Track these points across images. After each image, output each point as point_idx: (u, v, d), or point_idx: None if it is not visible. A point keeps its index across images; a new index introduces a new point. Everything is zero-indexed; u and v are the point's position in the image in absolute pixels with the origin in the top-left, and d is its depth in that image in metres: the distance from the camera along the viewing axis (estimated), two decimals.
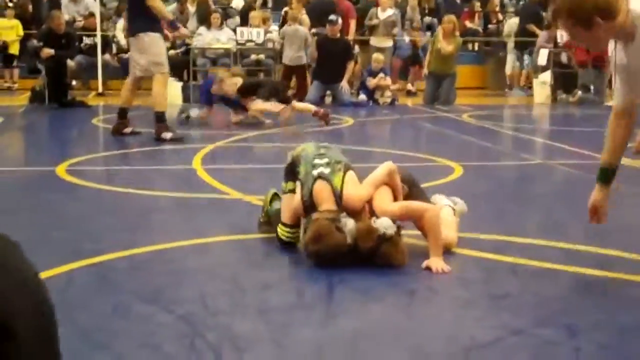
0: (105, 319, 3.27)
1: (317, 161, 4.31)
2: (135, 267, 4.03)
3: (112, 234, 4.72)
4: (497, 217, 5.39)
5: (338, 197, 4.17)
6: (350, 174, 4.30)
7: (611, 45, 3.53)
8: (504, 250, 4.37)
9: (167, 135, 8.97)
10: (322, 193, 4.17)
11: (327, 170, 4.24)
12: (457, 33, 14.50)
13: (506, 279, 3.90)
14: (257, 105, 10.49)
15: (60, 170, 6.87)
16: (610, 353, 3.00)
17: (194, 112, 11.12)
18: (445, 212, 4.58)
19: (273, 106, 10.46)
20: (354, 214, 4.16)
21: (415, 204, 4.28)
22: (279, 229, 4.39)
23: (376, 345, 3.01)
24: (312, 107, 10.92)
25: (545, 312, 3.41)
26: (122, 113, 9.49)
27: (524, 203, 5.97)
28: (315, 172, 4.24)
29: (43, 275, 3.66)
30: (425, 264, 4.02)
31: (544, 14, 16.53)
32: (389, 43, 15.34)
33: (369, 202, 4.26)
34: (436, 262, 4.02)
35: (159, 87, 9.04)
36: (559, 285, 3.84)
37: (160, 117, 9.04)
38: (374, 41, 15.28)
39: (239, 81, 10.66)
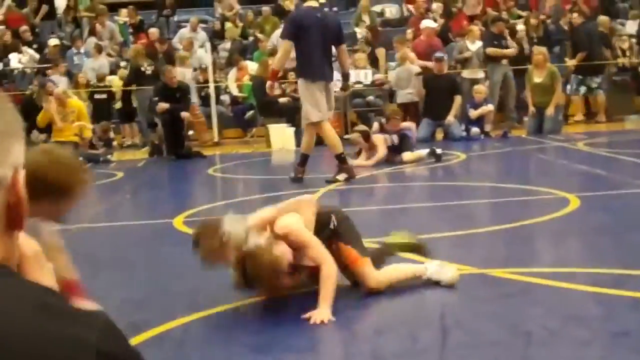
0: None
1: None
2: (248, 318, 4.06)
3: (226, 285, 4.76)
4: (616, 249, 5.20)
5: None
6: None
7: None
8: (624, 285, 4.21)
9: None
10: None
11: None
12: (549, 64, 14.19)
13: (628, 315, 3.75)
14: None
15: (178, 222, 7.01)
16: None
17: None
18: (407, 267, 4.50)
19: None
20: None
21: (318, 249, 4.15)
22: None
23: None
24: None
25: None
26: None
27: None
28: None
29: (160, 329, 3.75)
30: (308, 314, 3.91)
31: None
32: (481, 74, 15.16)
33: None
34: (319, 313, 3.90)
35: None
36: None
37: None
38: (466, 73, 15.15)
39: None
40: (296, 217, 4.26)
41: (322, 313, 3.87)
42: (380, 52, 16.05)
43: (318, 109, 8.97)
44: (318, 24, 8.97)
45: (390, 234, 4.99)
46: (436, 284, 4.33)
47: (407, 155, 10.61)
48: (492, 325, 3.70)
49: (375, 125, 11.28)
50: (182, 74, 14.96)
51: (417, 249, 4.89)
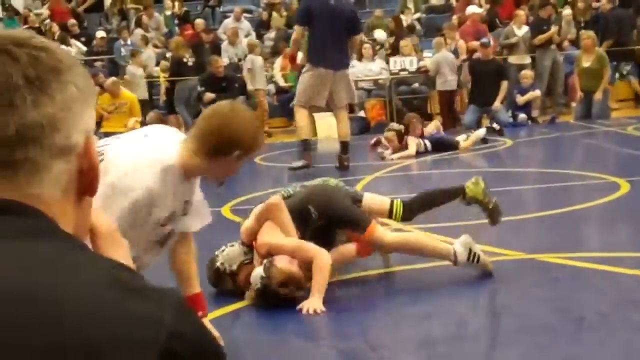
0: (268, 356, 3.33)
1: None
2: (295, 306, 4.04)
3: None
4: None
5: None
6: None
7: None
8: None
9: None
10: None
11: None
12: (597, 48, 13.95)
13: None
14: None
15: (226, 210, 7.05)
16: None
17: None
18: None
19: None
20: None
21: (302, 248, 4.10)
22: None
23: None
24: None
25: None
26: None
27: None
28: None
29: (212, 315, 3.77)
30: (300, 305, 3.87)
31: None
32: (527, 60, 14.96)
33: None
34: (311, 302, 3.86)
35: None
36: None
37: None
38: (513, 59, 14.95)
39: None
40: (269, 231, 4.23)
41: (312, 302, 3.86)
42: (406, 41, 15.83)
43: (305, 92, 9.12)
44: (329, 12, 8.94)
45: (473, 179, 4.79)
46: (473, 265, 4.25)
47: (463, 142, 10.44)
48: (543, 310, 3.67)
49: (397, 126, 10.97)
50: (251, 60, 14.93)
51: (487, 209, 4.68)
